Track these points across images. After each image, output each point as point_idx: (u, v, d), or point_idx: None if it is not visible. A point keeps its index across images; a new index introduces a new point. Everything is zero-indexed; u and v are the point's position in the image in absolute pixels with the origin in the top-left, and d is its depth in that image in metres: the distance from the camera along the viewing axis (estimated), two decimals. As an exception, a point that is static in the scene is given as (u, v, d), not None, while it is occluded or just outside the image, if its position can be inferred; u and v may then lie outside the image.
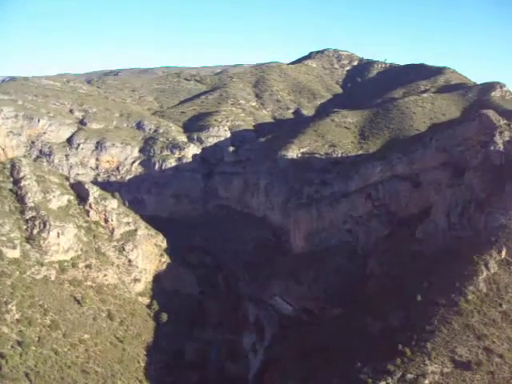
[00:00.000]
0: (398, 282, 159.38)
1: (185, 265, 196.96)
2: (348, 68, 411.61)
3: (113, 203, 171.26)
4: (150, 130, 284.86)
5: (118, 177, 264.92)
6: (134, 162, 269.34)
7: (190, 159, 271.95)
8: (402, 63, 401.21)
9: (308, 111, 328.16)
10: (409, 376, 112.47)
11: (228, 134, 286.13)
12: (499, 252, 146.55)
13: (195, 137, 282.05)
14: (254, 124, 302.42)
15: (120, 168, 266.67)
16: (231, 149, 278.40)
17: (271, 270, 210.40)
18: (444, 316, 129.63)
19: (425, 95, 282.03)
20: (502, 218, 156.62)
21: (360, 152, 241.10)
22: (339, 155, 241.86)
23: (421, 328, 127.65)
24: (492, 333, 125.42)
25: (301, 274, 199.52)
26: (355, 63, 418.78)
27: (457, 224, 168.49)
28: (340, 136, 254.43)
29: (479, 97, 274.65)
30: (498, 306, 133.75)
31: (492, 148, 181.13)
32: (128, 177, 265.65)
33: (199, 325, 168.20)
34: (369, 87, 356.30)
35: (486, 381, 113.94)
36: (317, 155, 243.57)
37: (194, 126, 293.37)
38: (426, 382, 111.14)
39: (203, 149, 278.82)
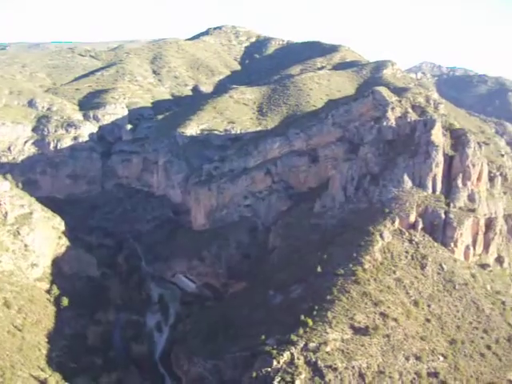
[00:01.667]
0: (298, 254, 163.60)
1: (84, 247, 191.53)
2: (246, 44, 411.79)
3: (5, 185, 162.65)
4: (43, 108, 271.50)
5: (10, 157, 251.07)
6: (26, 141, 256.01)
7: (86, 138, 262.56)
8: (298, 40, 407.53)
9: (206, 88, 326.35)
10: (311, 345, 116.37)
11: (125, 112, 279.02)
12: (393, 222, 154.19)
13: (91, 115, 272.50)
14: (151, 101, 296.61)
15: (11, 148, 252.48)
16: (129, 127, 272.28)
17: (173, 249, 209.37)
18: (343, 285, 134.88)
19: (321, 72, 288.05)
20: (395, 190, 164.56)
21: (259, 128, 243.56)
22: (238, 132, 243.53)
23: (321, 298, 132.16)
24: (387, 299, 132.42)
25: (203, 250, 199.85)
26: (253, 40, 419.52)
27: (353, 197, 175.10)
28: (239, 112, 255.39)
29: (372, 74, 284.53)
30: (392, 273, 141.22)
31: (385, 123, 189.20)
32: (21, 157, 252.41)
33: (102, 307, 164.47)
34: (266, 64, 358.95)
35: (383, 343, 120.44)
36: (216, 132, 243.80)
37: (90, 103, 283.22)
38: (328, 349, 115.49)
39: (100, 127, 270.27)
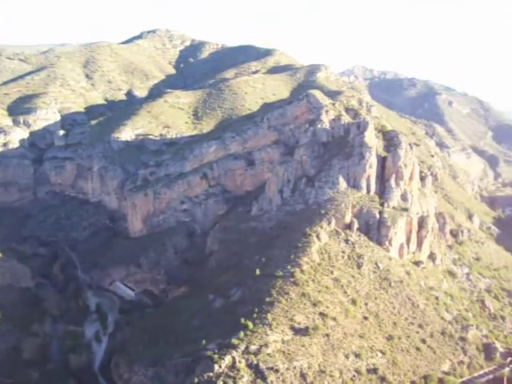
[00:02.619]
0: (236, 258, 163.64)
1: (17, 257, 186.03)
2: (180, 48, 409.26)
3: None
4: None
5: None
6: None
7: (16, 144, 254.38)
8: (232, 44, 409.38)
9: (141, 92, 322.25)
10: (252, 347, 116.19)
11: (58, 117, 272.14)
12: (329, 223, 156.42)
13: (21, 120, 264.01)
14: (85, 106, 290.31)
15: None
16: (61, 132, 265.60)
17: (110, 256, 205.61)
18: (282, 287, 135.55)
19: (256, 76, 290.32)
20: (330, 191, 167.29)
21: (194, 132, 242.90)
22: (174, 136, 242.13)
23: (261, 300, 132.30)
24: (326, 299, 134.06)
25: (140, 257, 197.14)
26: (187, 43, 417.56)
27: (289, 199, 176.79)
28: (174, 117, 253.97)
29: (306, 78, 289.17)
30: (330, 273, 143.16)
31: (319, 126, 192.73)
32: None
33: (38, 319, 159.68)
34: (201, 68, 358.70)
35: (323, 343, 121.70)
36: (151, 137, 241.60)
37: (20, 108, 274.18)
38: (269, 351, 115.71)
39: (31, 133, 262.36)
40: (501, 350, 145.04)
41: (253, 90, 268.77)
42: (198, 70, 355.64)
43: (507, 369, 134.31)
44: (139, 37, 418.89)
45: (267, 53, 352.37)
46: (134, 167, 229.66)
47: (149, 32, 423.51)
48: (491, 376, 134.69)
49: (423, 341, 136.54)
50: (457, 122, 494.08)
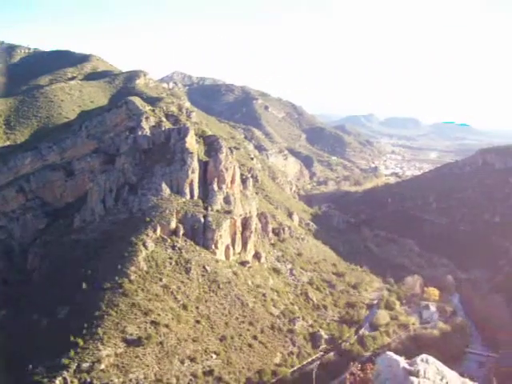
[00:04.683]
0: (61, 273, 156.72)
1: None
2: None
3: None
4: None
5: None
6: None
7: None
8: (46, 49, 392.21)
9: None
10: (84, 365, 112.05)
11: None
12: (154, 230, 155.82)
13: None
14: None
15: None
16: None
17: None
18: (111, 299, 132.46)
19: (72, 82, 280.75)
20: (154, 198, 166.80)
21: (7, 143, 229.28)
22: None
23: (90, 315, 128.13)
24: (157, 307, 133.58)
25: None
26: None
27: (113, 208, 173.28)
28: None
29: (125, 84, 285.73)
30: (158, 281, 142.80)
31: (140, 133, 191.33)
32: None
33: None
34: (12, 73, 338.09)
35: (157, 351, 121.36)
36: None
37: None
38: (102, 366, 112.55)
39: None
40: (325, 336, 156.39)
41: (69, 98, 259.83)
42: (9, 75, 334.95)
43: (331, 354, 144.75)
44: None
45: (84, 59, 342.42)
46: None
47: None
48: (318, 362, 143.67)
49: (255, 337, 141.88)
50: (273, 126, 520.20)
